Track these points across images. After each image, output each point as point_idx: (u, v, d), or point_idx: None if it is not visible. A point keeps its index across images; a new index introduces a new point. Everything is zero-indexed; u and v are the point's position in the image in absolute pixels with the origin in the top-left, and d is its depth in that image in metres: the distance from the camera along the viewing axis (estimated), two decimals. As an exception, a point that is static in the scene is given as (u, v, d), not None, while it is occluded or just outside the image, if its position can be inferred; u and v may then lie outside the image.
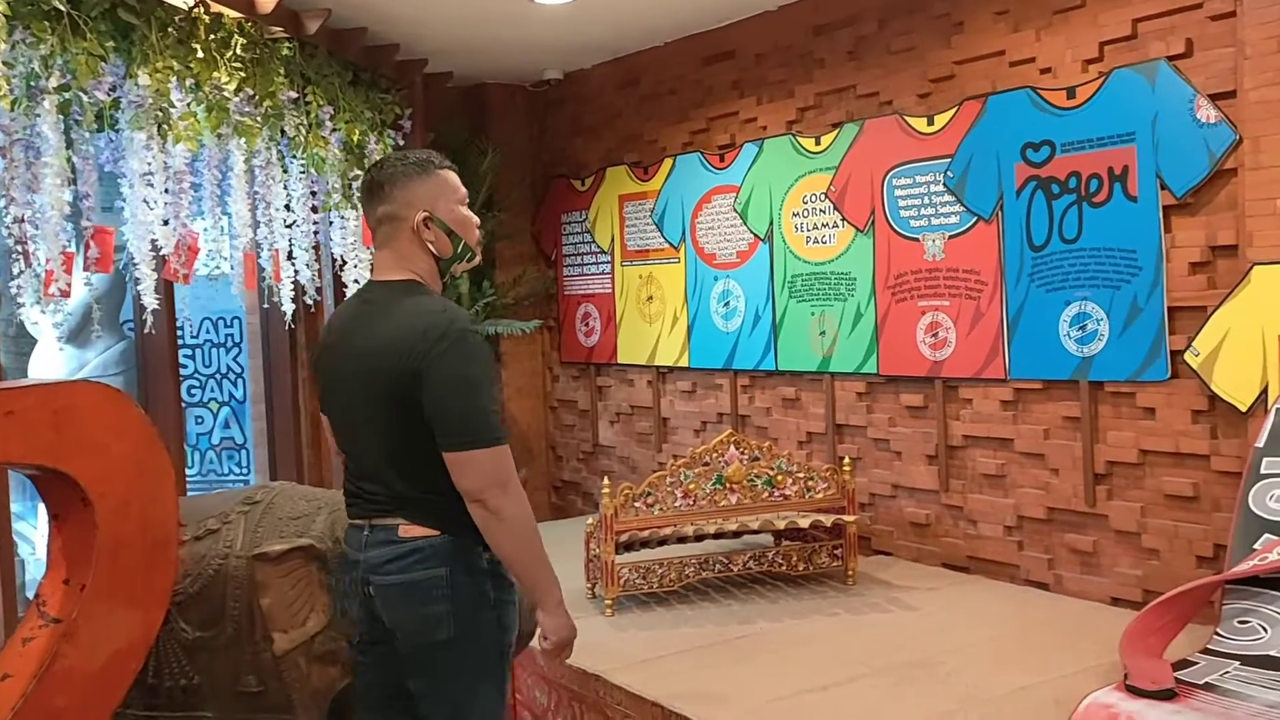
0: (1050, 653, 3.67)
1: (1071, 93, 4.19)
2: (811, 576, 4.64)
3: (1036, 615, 4.13)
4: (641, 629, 4.16)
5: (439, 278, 2.46)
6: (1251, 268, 3.64)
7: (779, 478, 4.52)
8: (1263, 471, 3.40)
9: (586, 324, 6.74)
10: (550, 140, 6.94)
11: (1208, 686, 3.01)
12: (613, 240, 6.50)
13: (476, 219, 2.50)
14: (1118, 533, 4.19)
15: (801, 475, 4.56)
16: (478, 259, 2.53)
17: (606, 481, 4.37)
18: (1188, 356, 3.84)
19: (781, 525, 4.40)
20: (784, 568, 4.59)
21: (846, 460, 4.64)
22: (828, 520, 4.45)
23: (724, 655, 3.83)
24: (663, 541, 4.48)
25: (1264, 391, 3.61)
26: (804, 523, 4.42)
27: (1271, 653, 3.12)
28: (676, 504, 4.39)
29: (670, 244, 6.09)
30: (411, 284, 2.41)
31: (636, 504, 4.34)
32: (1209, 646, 3.25)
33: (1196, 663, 3.16)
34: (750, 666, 3.69)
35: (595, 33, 5.70)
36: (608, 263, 6.55)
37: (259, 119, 4.25)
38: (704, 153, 5.82)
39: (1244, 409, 3.69)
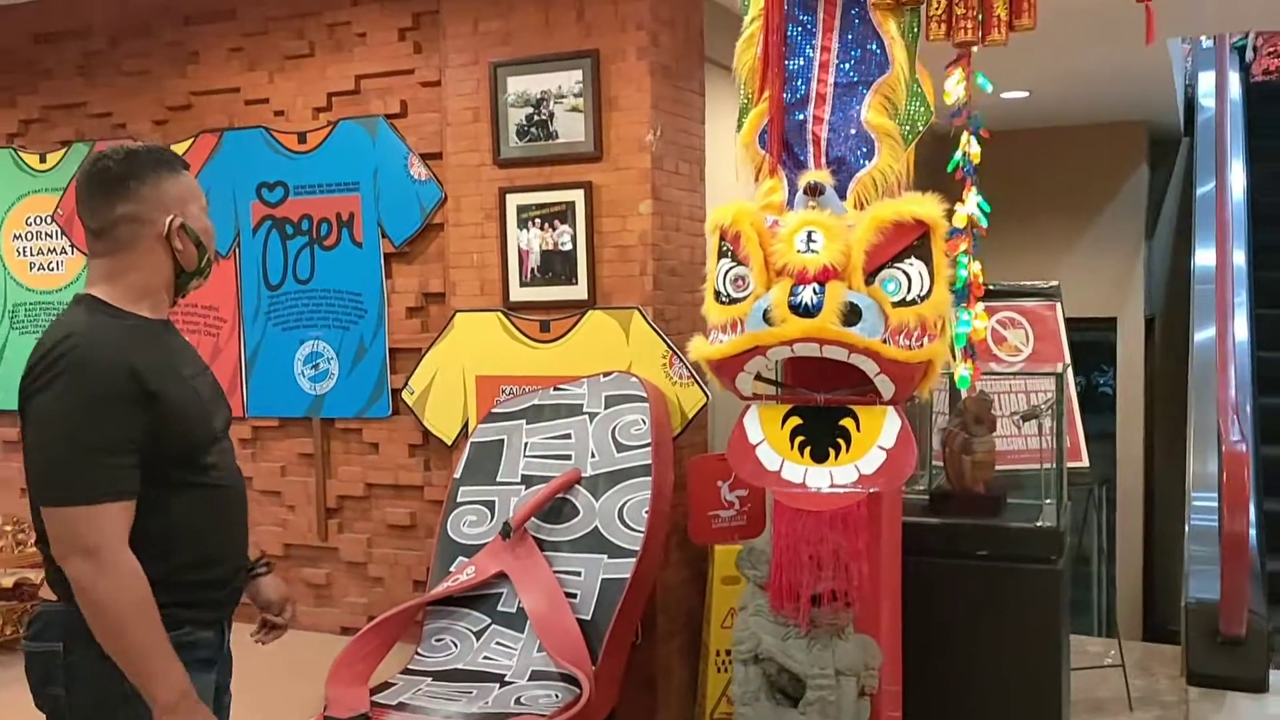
0: (271, 691, 3.68)
1: (303, 138, 4.30)
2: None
3: (267, 653, 4.12)
4: None
5: (175, 294, 2.11)
6: (455, 314, 4.02)
7: (-19, 534, 4.02)
8: (458, 500, 3.75)
9: None
10: None
11: (400, 706, 3.22)
12: None
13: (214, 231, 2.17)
14: (348, 564, 4.36)
15: (10, 529, 4.11)
16: (209, 276, 2.18)
17: None
18: (405, 395, 4.13)
19: (-18, 588, 3.92)
20: (-11, 635, 4.08)
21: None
22: (37, 576, 4.04)
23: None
24: None
25: (465, 426, 4.01)
26: (8, 582, 3.97)
27: (459, 665, 3.44)
28: None
29: None
30: (86, 298, 2.02)
31: None
32: (409, 666, 3.49)
33: (395, 683, 3.37)
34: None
35: None
36: None
37: None
38: (-94, 158, 5.01)
39: (449, 442, 4.06)
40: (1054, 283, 4.61)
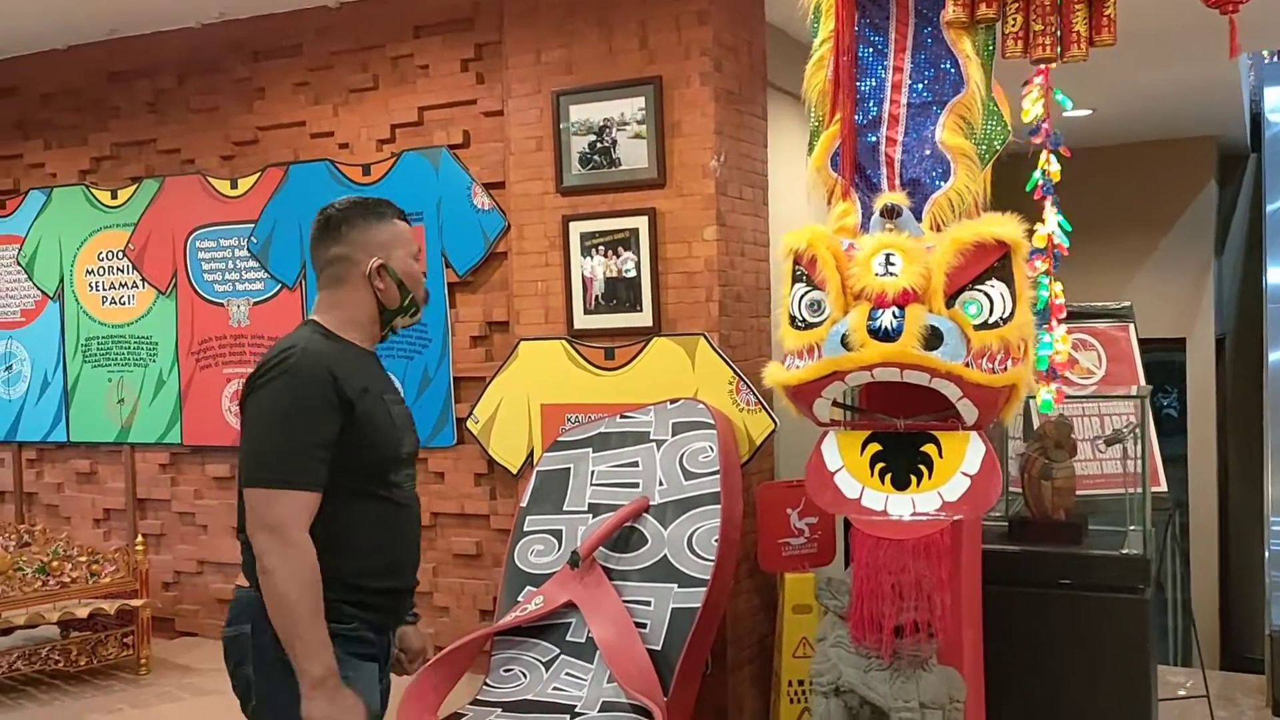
0: (340, 722, 3.67)
1: (367, 169, 4.34)
2: (99, 671, 4.21)
3: (336, 684, 4.13)
4: None
5: (380, 327, 2.34)
6: (519, 343, 4.02)
7: (55, 563, 4.06)
8: (525, 529, 3.73)
9: None
10: None
11: (471, 736, 3.21)
12: None
13: (424, 275, 2.39)
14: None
15: (84, 559, 4.14)
16: (419, 316, 2.41)
17: None
18: (469, 424, 4.13)
19: (56, 617, 3.95)
20: (62, 664, 4.10)
21: (140, 539, 4.31)
22: (111, 607, 4.08)
23: (-31, 780, 3.31)
24: (-99, 652, 3.79)
25: (531, 455, 3.99)
26: (82, 612, 4.00)
27: (529, 696, 3.41)
28: (-81, 606, 3.74)
29: (-60, 297, 5.28)
30: (310, 322, 2.29)
31: None
32: (478, 697, 3.46)
33: (466, 714, 3.35)
34: (1, 789, 3.23)
35: None
36: None
37: None
38: (-18, 196, 5.14)
39: (515, 471, 4.05)
40: (1126, 303, 4.50)
